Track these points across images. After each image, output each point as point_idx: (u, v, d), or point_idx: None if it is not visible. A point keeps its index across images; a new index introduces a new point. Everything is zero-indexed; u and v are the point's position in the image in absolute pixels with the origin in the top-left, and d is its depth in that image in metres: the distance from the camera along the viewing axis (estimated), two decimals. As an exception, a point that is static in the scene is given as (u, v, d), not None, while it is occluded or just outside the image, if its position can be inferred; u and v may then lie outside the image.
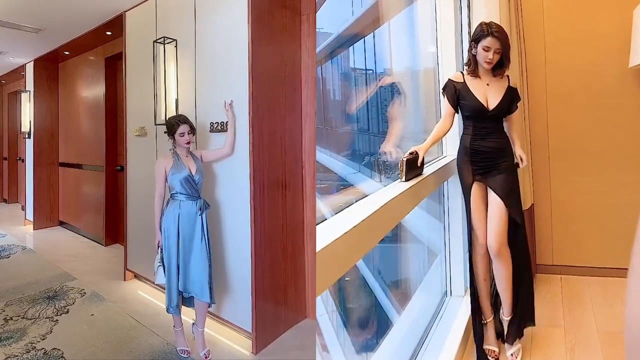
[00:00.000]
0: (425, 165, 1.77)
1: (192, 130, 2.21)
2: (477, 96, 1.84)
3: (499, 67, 1.84)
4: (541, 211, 2.93)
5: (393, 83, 2.45)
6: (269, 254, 2.42)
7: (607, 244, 2.77)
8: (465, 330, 2.04)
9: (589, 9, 2.81)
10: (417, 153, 1.70)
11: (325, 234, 0.90)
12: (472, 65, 1.87)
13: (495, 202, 1.86)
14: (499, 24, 1.84)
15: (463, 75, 1.90)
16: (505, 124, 1.96)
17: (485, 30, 1.77)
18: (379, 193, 1.40)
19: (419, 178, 1.67)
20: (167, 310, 2.21)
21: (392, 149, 2.03)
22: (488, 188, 1.89)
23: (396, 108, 2.35)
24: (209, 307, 2.25)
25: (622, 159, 2.76)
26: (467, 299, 2.09)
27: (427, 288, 2.34)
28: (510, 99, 1.89)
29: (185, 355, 2.23)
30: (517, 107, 1.94)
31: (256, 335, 2.30)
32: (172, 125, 2.18)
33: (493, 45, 1.76)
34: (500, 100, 1.85)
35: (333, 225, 0.98)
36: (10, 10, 3.47)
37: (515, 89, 1.93)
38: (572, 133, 2.86)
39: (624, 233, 1.28)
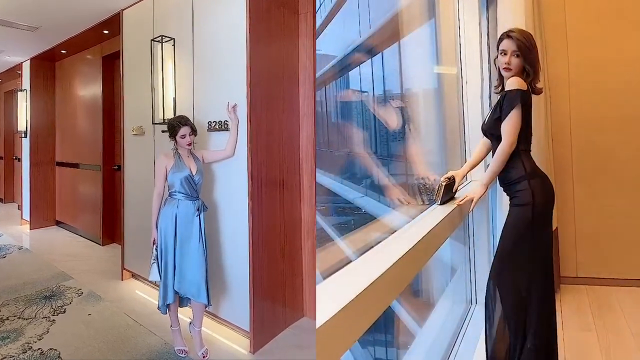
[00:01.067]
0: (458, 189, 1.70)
1: (193, 131, 2.23)
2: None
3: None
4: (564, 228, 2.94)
5: (400, 107, 2.33)
6: (267, 252, 2.42)
7: (633, 256, 2.79)
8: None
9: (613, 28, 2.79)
10: (453, 178, 1.60)
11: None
12: (497, 80, 1.61)
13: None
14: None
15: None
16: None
17: (502, 34, 1.54)
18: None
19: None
20: (159, 307, 2.22)
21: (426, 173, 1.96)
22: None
23: (410, 135, 2.27)
24: (206, 307, 2.25)
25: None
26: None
27: (451, 297, 2.28)
28: (500, 107, 1.53)
29: (182, 355, 2.23)
30: (508, 111, 1.49)
31: (254, 334, 2.30)
32: (174, 127, 2.19)
33: (509, 47, 1.50)
34: (490, 113, 1.59)
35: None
36: (7, 8, 3.45)
37: (508, 92, 1.50)
38: (597, 152, 2.87)
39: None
